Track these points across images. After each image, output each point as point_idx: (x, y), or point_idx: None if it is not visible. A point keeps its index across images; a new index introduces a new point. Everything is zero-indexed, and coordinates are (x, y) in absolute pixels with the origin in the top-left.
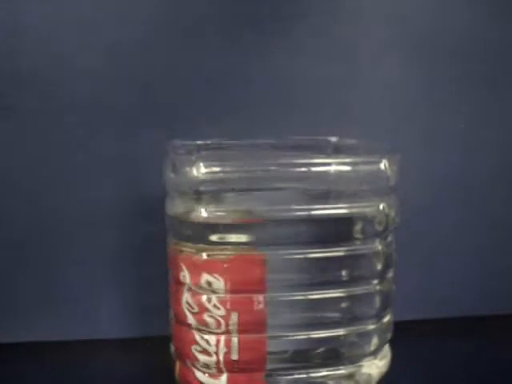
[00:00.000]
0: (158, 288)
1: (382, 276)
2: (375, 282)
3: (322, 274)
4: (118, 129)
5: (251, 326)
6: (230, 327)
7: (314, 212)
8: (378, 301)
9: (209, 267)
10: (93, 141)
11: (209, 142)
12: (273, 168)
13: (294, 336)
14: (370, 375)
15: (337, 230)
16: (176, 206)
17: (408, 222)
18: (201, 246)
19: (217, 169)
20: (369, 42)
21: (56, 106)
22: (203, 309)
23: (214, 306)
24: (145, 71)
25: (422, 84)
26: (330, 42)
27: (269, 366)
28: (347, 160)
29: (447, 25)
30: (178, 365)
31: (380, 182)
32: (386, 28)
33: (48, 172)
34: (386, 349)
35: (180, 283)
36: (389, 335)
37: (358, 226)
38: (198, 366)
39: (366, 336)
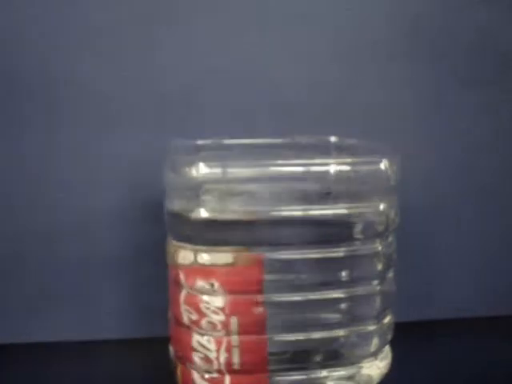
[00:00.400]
0: (157, 288)
1: (382, 276)
2: (375, 282)
3: (322, 275)
4: (118, 129)
5: (251, 329)
6: (230, 331)
7: (313, 212)
8: (378, 301)
9: (206, 273)
10: (93, 141)
11: (209, 141)
12: (273, 168)
13: (293, 337)
14: (370, 376)
15: (337, 231)
16: (176, 206)
17: (408, 222)
18: (200, 246)
19: (217, 169)
20: (369, 41)
21: (56, 106)
22: (202, 314)
23: (213, 311)
24: (145, 71)
25: (422, 84)
26: (330, 42)
27: (269, 367)
28: (347, 160)
29: (448, 25)
30: (179, 368)
31: (380, 182)
32: (386, 28)
33: (48, 172)
34: (387, 350)
35: (178, 286)
36: (389, 336)
37: (358, 227)
38: (200, 369)
39: (366, 337)
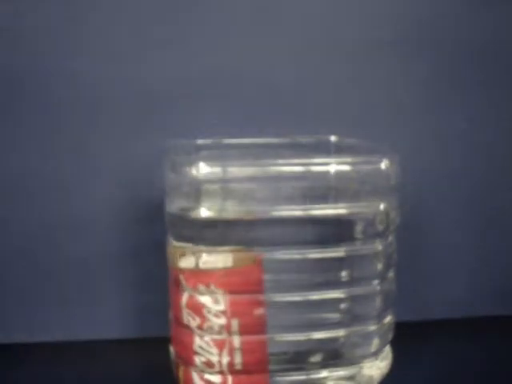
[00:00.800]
0: (158, 288)
1: (382, 276)
2: (376, 282)
3: (323, 275)
4: (118, 129)
5: (252, 329)
6: (232, 333)
7: (313, 212)
8: (378, 301)
9: (207, 277)
10: (93, 141)
11: (209, 141)
12: (273, 168)
13: (294, 337)
14: (370, 376)
15: (337, 230)
16: (176, 206)
17: (408, 222)
18: (200, 246)
19: (217, 169)
20: (369, 41)
21: (55, 106)
22: (204, 318)
23: (215, 315)
24: (145, 71)
25: (422, 84)
26: (330, 42)
27: (270, 368)
28: (347, 160)
29: (448, 25)
30: (181, 368)
31: (380, 181)
32: (386, 28)
33: (48, 173)
34: (387, 350)
35: (180, 289)
36: (390, 336)
37: (359, 226)
38: (202, 370)
39: (366, 337)
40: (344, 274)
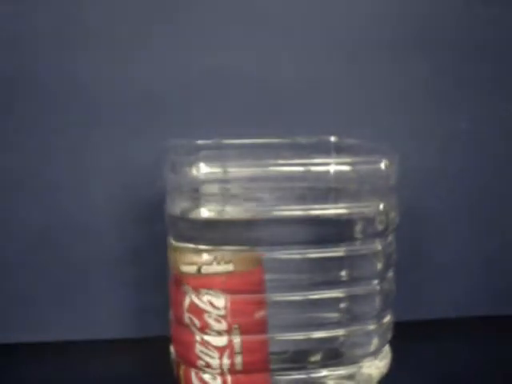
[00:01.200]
0: (157, 288)
1: (382, 276)
2: (375, 282)
3: (322, 274)
4: (119, 129)
5: (253, 330)
6: (233, 337)
7: (313, 212)
8: (378, 301)
9: (209, 282)
10: (93, 141)
11: (209, 141)
12: (273, 168)
13: (294, 336)
14: (370, 375)
15: (337, 230)
16: (176, 206)
17: (408, 221)
18: (200, 246)
19: (217, 169)
20: (369, 41)
21: (55, 107)
22: (205, 323)
23: (216, 319)
24: (145, 71)
25: (422, 84)
26: (330, 42)
27: (271, 367)
28: (347, 160)
29: (448, 25)
30: (182, 368)
31: (380, 181)
32: (386, 28)
33: (48, 173)
34: (387, 349)
35: (182, 293)
36: (389, 335)
37: (358, 226)
38: (203, 370)
39: (366, 336)
40: (344, 273)
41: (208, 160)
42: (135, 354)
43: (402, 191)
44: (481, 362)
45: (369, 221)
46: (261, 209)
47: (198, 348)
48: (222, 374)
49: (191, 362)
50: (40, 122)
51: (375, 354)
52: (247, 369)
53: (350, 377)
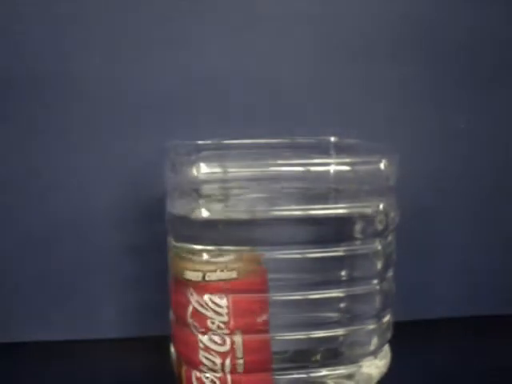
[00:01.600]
0: (157, 288)
1: (381, 276)
2: (375, 281)
3: (322, 274)
4: (119, 129)
5: (256, 338)
6: (235, 338)
7: (313, 212)
8: (377, 300)
9: (213, 289)
10: (93, 141)
11: (209, 142)
12: (273, 168)
13: (294, 336)
14: (370, 375)
15: (337, 230)
16: (176, 206)
17: (408, 222)
18: (201, 245)
19: (217, 169)
20: (369, 41)
21: (55, 107)
22: (208, 328)
23: (218, 326)
24: (145, 71)
25: (422, 84)
26: (330, 42)
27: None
28: (347, 160)
29: (448, 25)
30: (184, 369)
31: (380, 181)
32: (386, 28)
33: (48, 173)
34: (386, 349)
35: (185, 293)
36: (389, 335)
37: (358, 226)
38: (205, 370)
39: (365, 336)
40: (343, 273)
41: (208, 160)
42: (135, 353)
43: (402, 191)
44: (481, 362)
45: (368, 221)
46: (261, 209)
47: (202, 353)
48: (223, 374)
49: (194, 363)
50: (40, 123)
51: (375, 353)
52: (250, 369)
53: (350, 376)
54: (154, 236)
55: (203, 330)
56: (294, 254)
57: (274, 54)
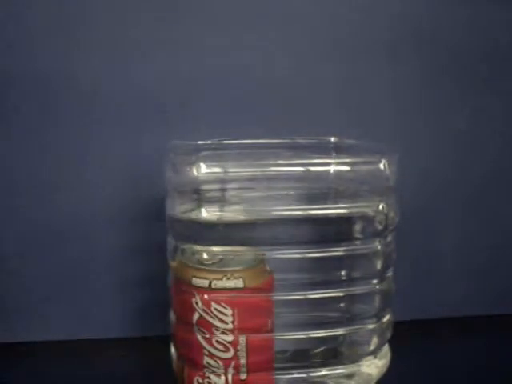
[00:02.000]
0: (157, 288)
1: (381, 275)
2: (375, 281)
3: (322, 274)
4: (119, 129)
5: (260, 342)
6: (239, 349)
7: (313, 212)
8: (377, 300)
9: (219, 297)
10: (93, 141)
11: (209, 141)
12: (273, 168)
13: (294, 336)
14: (369, 375)
15: (336, 230)
16: (176, 206)
17: (407, 222)
18: (200, 246)
19: (217, 169)
20: (369, 41)
21: (56, 107)
22: (213, 335)
23: (223, 332)
24: (145, 71)
25: (422, 84)
26: (330, 42)
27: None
28: (347, 160)
29: (447, 25)
30: (185, 369)
31: (379, 181)
32: (386, 28)
33: (49, 173)
34: (386, 348)
35: (190, 299)
36: (388, 335)
37: (358, 226)
38: (208, 372)
39: (365, 335)
40: (343, 273)
41: (208, 160)
42: (135, 353)
43: (402, 191)
44: (481, 362)
45: (368, 221)
46: (261, 209)
47: (205, 357)
48: (226, 376)
49: (196, 365)
50: (40, 123)
51: (375, 353)
52: (252, 369)
53: (350, 376)
54: (154, 236)
55: (208, 335)
56: (293, 253)
57: (274, 54)
